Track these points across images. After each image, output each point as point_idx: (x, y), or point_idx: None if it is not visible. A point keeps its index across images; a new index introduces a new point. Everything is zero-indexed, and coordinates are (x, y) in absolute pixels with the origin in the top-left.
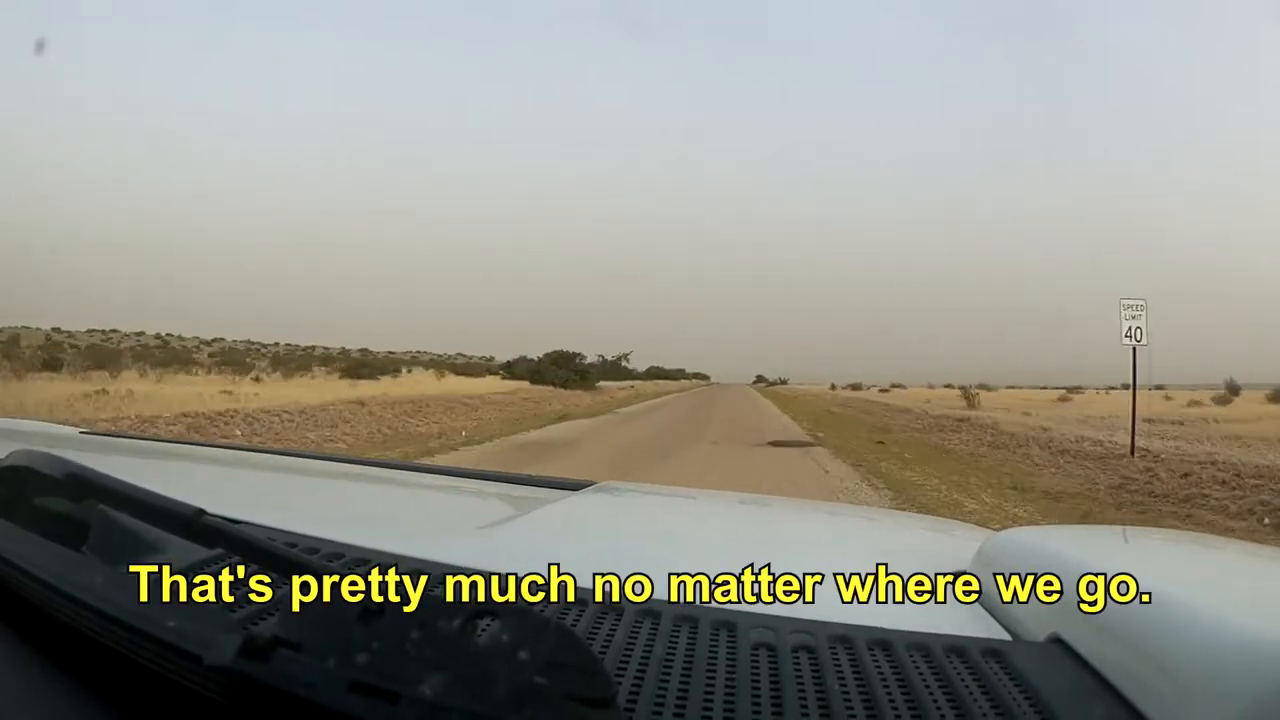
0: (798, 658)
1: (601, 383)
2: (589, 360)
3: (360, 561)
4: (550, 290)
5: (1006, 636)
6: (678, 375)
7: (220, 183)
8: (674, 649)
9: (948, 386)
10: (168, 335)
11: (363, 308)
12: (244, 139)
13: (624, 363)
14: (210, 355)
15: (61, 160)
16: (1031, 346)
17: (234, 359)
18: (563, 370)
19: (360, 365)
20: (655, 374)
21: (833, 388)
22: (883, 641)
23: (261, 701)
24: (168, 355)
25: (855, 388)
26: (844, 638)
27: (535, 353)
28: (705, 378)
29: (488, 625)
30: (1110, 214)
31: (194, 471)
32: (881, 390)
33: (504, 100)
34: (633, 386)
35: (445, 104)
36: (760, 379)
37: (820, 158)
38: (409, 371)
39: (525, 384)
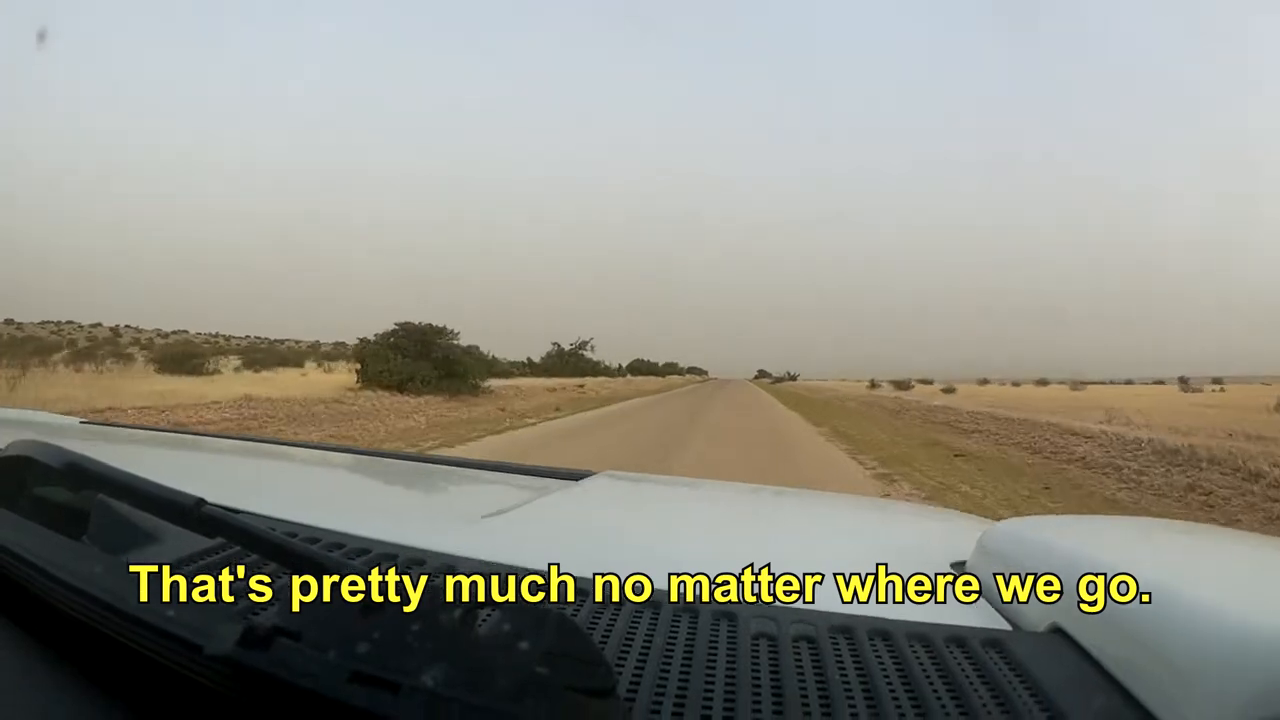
0: (798, 648)
1: (521, 381)
2: (461, 341)
3: (361, 551)
4: (543, 287)
5: (1007, 626)
6: (665, 370)
7: (205, 182)
8: (674, 639)
9: (981, 381)
10: (126, 327)
11: (360, 306)
12: (233, 134)
13: (585, 352)
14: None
15: (33, 156)
16: (1033, 340)
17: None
18: (410, 361)
19: (187, 356)
20: (639, 368)
21: (872, 385)
22: (883, 631)
23: (262, 691)
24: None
25: (902, 386)
26: (844, 628)
27: (533, 348)
28: (702, 372)
29: (488, 616)
30: (1109, 213)
31: (194, 461)
32: (944, 389)
33: (503, 94)
34: (581, 386)
35: (442, 98)
36: (762, 374)
37: (823, 147)
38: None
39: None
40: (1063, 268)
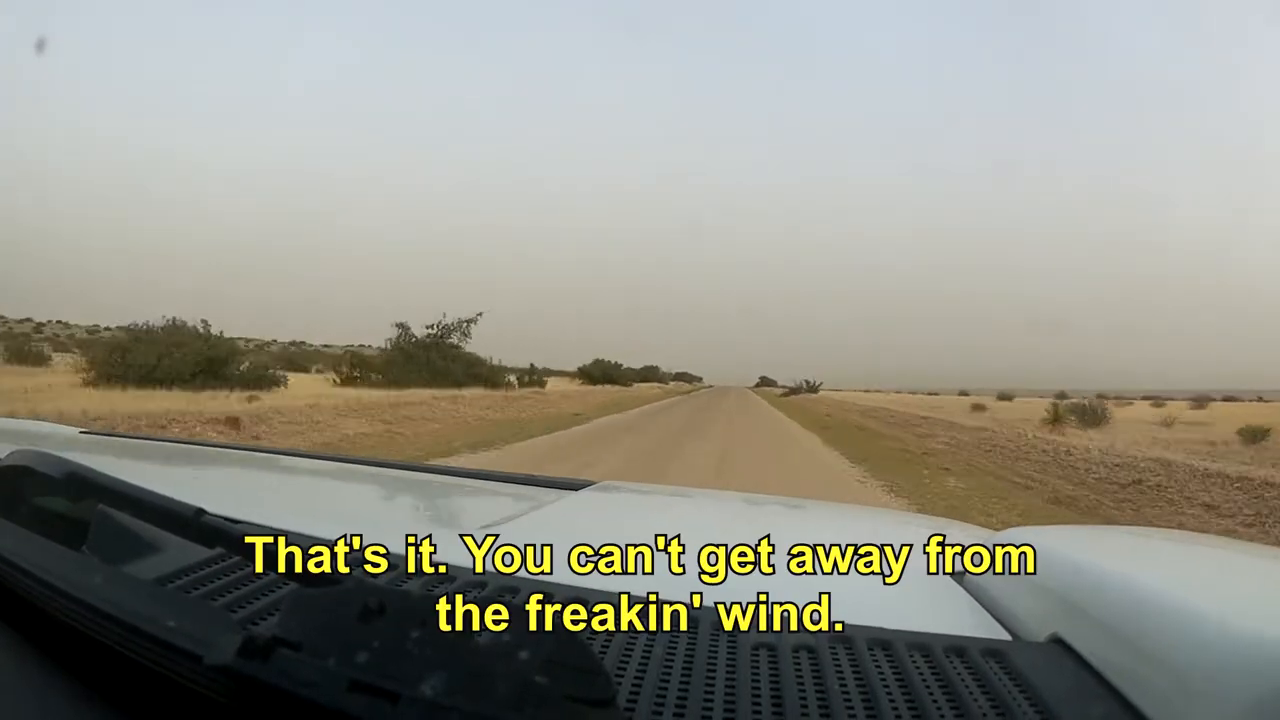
0: (798, 658)
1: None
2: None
3: (360, 561)
4: (541, 287)
5: (1007, 636)
6: (639, 377)
7: (206, 183)
8: (674, 649)
9: (1049, 396)
10: (58, 322)
11: (367, 308)
12: (220, 133)
13: (457, 341)
14: None
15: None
16: (1032, 349)
17: None
18: None
19: None
20: (595, 374)
21: (975, 406)
22: (883, 641)
23: (262, 701)
24: None
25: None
26: (844, 638)
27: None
28: (695, 379)
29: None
30: (1109, 224)
31: (194, 471)
32: (1164, 422)
33: (498, 97)
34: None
35: (442, 98)
36: (765, 381)
37: (825, 146)
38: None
39: None
40: (1071, 275)
